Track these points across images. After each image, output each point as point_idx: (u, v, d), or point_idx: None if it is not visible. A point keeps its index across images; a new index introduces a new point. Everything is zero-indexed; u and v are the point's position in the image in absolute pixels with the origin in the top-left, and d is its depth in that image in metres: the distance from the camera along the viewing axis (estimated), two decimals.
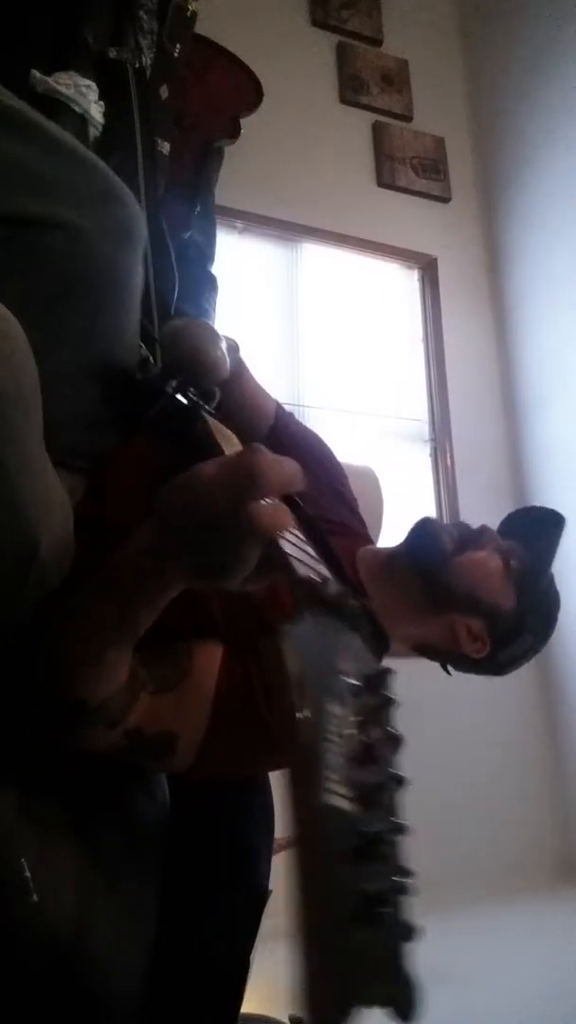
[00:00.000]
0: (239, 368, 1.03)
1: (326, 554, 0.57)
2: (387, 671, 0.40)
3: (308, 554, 0.57)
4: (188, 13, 1.84)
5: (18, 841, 0.66)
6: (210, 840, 0.89)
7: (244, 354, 1.06)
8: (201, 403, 0.91)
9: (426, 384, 3.18)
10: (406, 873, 0.31)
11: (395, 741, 0.37)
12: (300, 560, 0.52)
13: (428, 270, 3.29)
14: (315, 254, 3.16)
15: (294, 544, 0.55)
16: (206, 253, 2.19)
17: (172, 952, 0.79)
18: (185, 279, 1.77)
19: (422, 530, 0.99)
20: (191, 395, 0.93)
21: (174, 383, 0.93)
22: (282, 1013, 1.36)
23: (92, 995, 0.70)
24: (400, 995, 0.29)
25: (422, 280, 3.31)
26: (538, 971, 1.78)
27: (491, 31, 3.50)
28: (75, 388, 0.69)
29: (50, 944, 0.67)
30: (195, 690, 0.72)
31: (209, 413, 0.90)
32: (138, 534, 0.58)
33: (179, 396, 0.92)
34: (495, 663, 1.02)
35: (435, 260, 3.28)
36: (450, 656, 1.02)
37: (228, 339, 1.02)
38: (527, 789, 2.67)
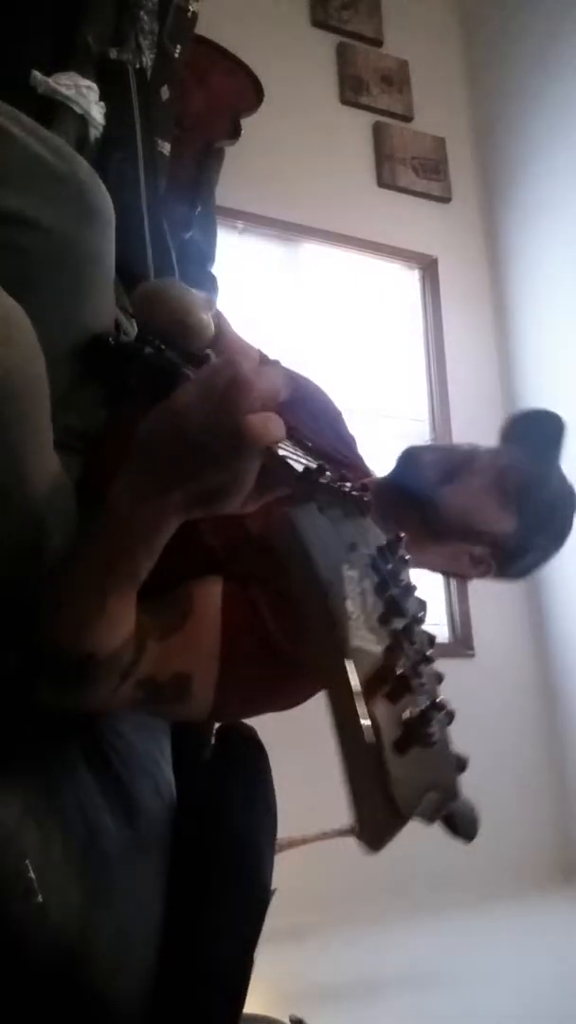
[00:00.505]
0: (218, 324, 1.02)
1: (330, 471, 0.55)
2: (397, 537, 0.41)
3: (305, 460, 0.55)
4: (189, 14, 1.84)
5: (23, 842, 0.66)
6: (214, 838, 0.89)
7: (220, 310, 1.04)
8: (179, 362, 0.90)
9: (426, 384, 3.18)
10: (438, 697, 0.33)
11: (412, 588, 0.38)
12: (299, 461, 0.51)
13: (428, 270, 3.29)
14: (316, 254, 3.16)
15: (290, 453, 0.54)
16: (207, 253, 2.19)
17: (174, 951, 0.79)
18: (186, 279, 1.77)
19: (406, 462, 0.94)
20: (168, 355, 0.92)
21: (149, 347, 0.92)
22: (283, 1013, 1.36)
23: (97, 994, 0.70)
24: (463, 811, 0.31)
25: (422, 280, 3.31)
26: (538, 971, 1.78)
27: (491, 31, 3.50)
28: (58, 372, 0.69)
29: (55, 944, 0.67)
30: (201, 626, 0.72)
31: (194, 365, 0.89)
32: (125, 475, 0.57)
33: (156, 357, 0.91)
34: (507, 577, 1.01)
35: (435, 260, 3.28)
36: (456, 576, 1.02)
37: (201, 296, 1.00)
38: (527, 789, 2.67)
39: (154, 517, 0.55)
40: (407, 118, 3.39)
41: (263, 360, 1.10)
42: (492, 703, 2.70)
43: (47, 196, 0.84)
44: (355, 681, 0.31)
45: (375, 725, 0.30)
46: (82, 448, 0.88)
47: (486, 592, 2.81)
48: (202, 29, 2.06)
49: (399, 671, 0.32)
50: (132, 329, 1.15)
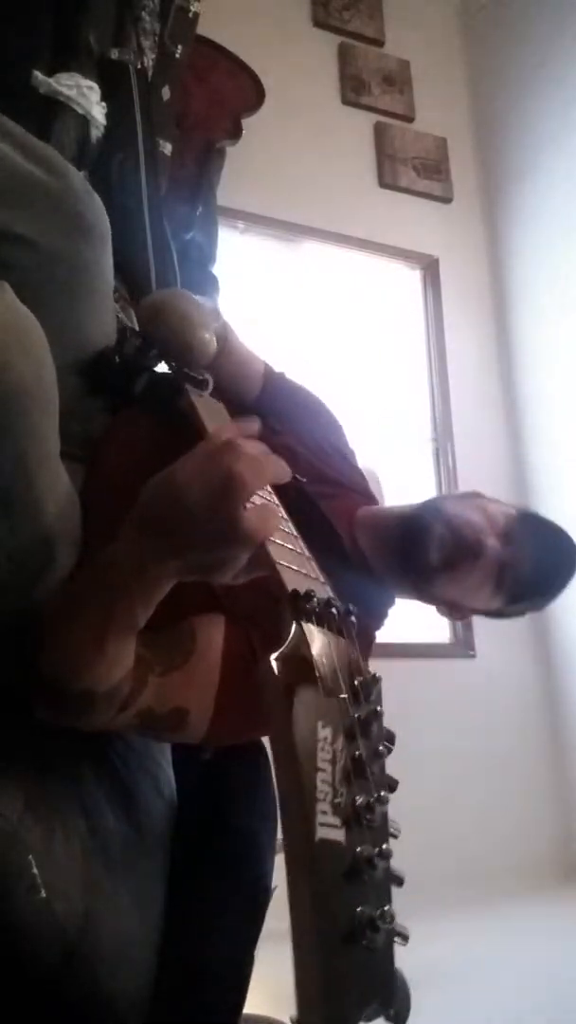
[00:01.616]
0: (224, 336, 1.02)
1: (319, 522, 0.56)
2: (375, 679, 0.42)
3: (297, 551, 0.57)
4: (190, 14, 1.84)
5: (26, 838, 0.66)
6: (214, 836, 0.89)
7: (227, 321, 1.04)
8: (182, 376, 0.91)
9: (428, 384, 3.18)
10: (390, 894, 0.33)
11: (381, 753, 0.39)
12: (289, 565, 0.52)
13: (430, 270, 3.29)
14: (317, 254, 3.16)
15: (282, 542, 0.55)
16: (208, 253, 2.19)
17: (174, 949, 0.79)
18: (187, 279, 1.77)
19: (414, 529, 0.93)
20: (172, 370, 0.92)
21: (153, 358, 0.92)
22: (283, 1013, 1.36)
23: (98, 992, 0.70)
24: (398, 1007, 0.31)
25: (424, 280, 3.32)
26: (539, 971, 1.78)
27: (493, 32, 3.50)
28: (61, 379, 0.69)
29: (58, 940, 0.67)
30: (202, 664, 0.73)
31: (192, 386, 0.90)
32: (124, 536, 0.58)
33: (159, 371, 0.92)
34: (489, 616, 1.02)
35: (436, 260, 3.28)
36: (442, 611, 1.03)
37: (209, 305, 0.99)
38: (528, 789, 2.67)
39: (152, 579, 0.57)
40: (408, 118, 3.39)
41: (268, 375, 1.10)
42: (493, 704, 2.70)
43: (39, 212, 0.84)
44: (315, 883, 0.31)
45: (339, 919, 0.31)
46: (83, 456, 0.88)
47: None
48: (203, 29, 2.06)
49: (358, 851, 0.33)
50: (132, 323, 1.15)
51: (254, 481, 0.52)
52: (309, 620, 0.45)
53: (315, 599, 0.47)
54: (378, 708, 0.41)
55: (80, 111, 1.41)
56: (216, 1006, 0.81)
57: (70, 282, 0.87)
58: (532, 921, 2.14)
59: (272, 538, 0.55)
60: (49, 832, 0.69)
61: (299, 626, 0.44)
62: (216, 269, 2.22)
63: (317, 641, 0.43)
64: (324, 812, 0.33)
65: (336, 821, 0.34)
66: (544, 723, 2.79)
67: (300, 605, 0.46)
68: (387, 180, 3.25)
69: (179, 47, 1.81)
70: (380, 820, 0.36)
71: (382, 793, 0.37)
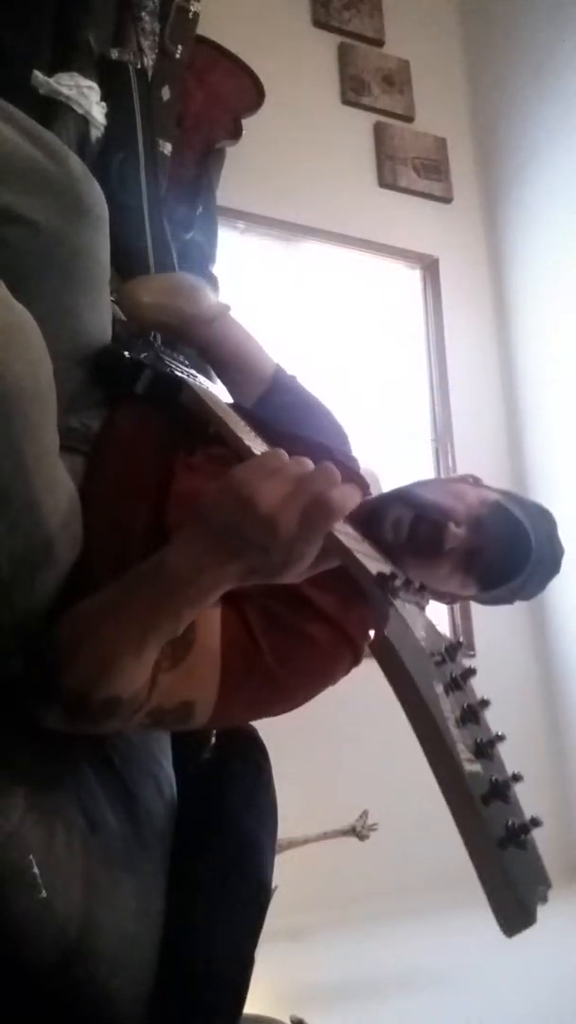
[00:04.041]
0: (226, 326, 1.02)
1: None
2: (459, 643, 0.49)
3: (356, 537, 0.59)
4: (190, 14, 1.84)
5: (26, 838, 0.66)
6: (215, 836, 0.89)
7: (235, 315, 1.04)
8: (183, 371, 0.91)
9: (428, 384, 3.18)
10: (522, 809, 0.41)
11: (483, 702, 0.46)
12: (361, 551, 0.55)
13: (430, 270, 3.29)
14: (317, 254, 3.16)
15: (344, 531, 0.57)
16: (207, 254, 2.19)
17: (175, 949, 0.79)
18: None
19: (376, 508, 0.92)
20: (171, 363, 0.93)
21: (153, 352, 0.93)
22: (283, 1013, 1.36)
23: (99, 991, 0.70)
24: (547, 891, 0.40)
25: (424, 280, 3.31)
26: (539, 971, 1.78)
27: (492, 32, 3.50)
28: (61, 370, 0.69)
29: (59, 939, 0.67)
30: (203, 655, 0.73)
31: (191, 379, 0.90)
32: (185, 538, 0.59)
33: (163, 371, 0.92)
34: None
35: (436, 260, 3.28)
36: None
37: (200, 297, 1.00)
38: (529, 790, 2.65)
39: (210, 585, 0.58)
40: (408, 118, 3.39)
41: (277, 375, 1.10)
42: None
43: (38, 194, 0.84)
44: (478, 802, 0.39)
45: (493, 830, 0.39)
46: (83, 449, 0.88)
47: None
48: (203, 29, 2.06)
49: (495, 779, 0.41)
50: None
51: (344, 508, 0.54)
52: (397, 596, 0.50)
53: (397, 576, 0.51)
54: (468, 667, 0.48)
55: (80, 111, 1.41)
56: (216, 1006, 0.81)
57: (68, 266, 0.88)
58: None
59: (339, 533, 0.56)
60: (50, 832, 0.69)
61: (393, 604, 0.49)
62: (216, 269, 2.22)
63: (411, 614, 0.49)
64: (462, 752, 0.41)
65: (472, 757, 0.41)
66: (544, 723, 2.79)
67: (389, 585, 0.51)
68: (387, 180, 3.25)
69: (179, 47, 1.81)
70: (499, 755, 0.44)
71: (497, 732, 0.45)
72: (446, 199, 3.37)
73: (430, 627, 0.50)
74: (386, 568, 0.54)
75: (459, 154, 3.45)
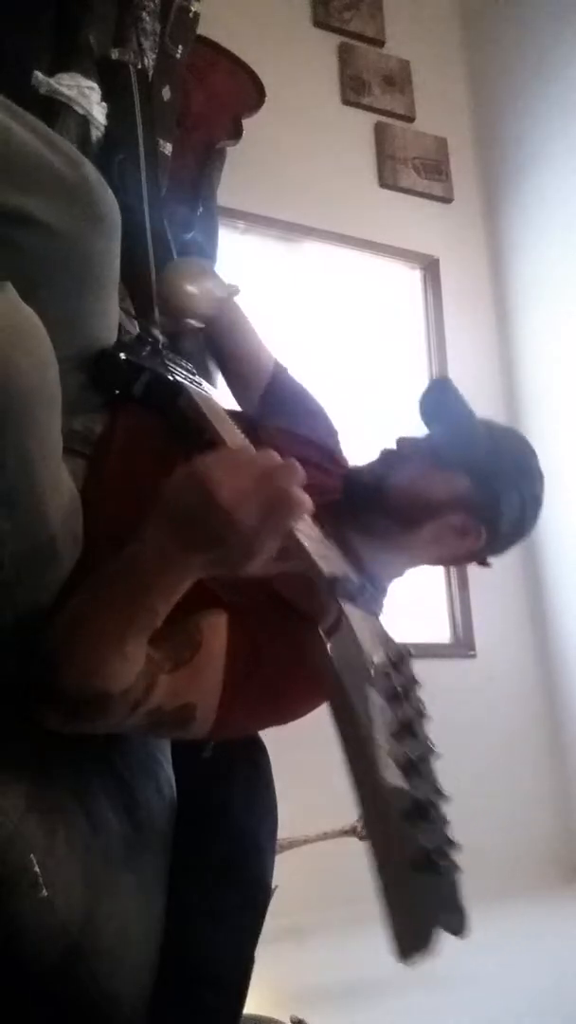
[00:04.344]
0: (233, 317, 1.03)
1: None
2: (407, 652, 0.48)
3: (318, 538, 0.59)
4: (191, 14, 1.84)
5: (27, 837, 0.66)
6: (214, 836, 0.90)
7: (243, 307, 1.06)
8: (186, 377, 0.92)
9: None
10: (449, 829, 0.39)
11: (423, 715, 0.44)
12: (318, 552, 0.55)
13: (430, 270, 3.29)
14: (317, 254, 3.16)
15: (306, 531, 0.58)
16: (208, 254, 2.18)
17: (175, 949, 0.79)
18: None
19: (348, 481, 0.99)
20: (174, 368, 0.94)
21: (158, 357, 0.94)
22: (283, 1013, 1.36)
23: (99, 990, 0.71)
24: (461, 921, 0.37)
25: (424, 280, 3.31)
26: (539, 972, 1.78)
27: (493, 32, 3.50)
28: (65, 372, 0.70)
29: (60, 938, 0.67)
30: (207, 659, 0.74)
31: (193, 384, 0.91)
32: (150, 530, 0.59)
33: (162, 375, 0.93)
34: (505, 537, 1.01)
35: (437, 261, 3.28)
36: (459, 559, 1.02)
37: (220, 280, 1.03)
38: (528, 790, 2.67)
39: (176, 576, 0.59)
40: (409, 118, 3.39)
41: (276, 369, 1.12)
42: (493, 704, 2.70)
43: (56, 200, 0.85)
44: (395, 817, 0.37)
45: (407, 851, 0.37)
46: (85, 452, 0.89)
47: (488, 592, 2.81)
48: (204, 29, 2.06)
49: (420, 798, 0.39)
50: (134, 329, 1.15)
51: (304, 505, 0.55)
52: (347, 600, 0.50)
53: (351, 581, 0.52)
54: (414, 677, 0.46)
55: (80, 111, 1.41)
56: (216, 1006, 0.81)
57: (81, 272, 0.89)
58: (532, 922, 2.14)
59: (297, 527, 0.57)
60: (51, 831, 0.69)
61: (341, 606, 0.49)
62: (216, 269, 2.22)
63: (357, 619, 0.48)
64: (387, 764, 0.39)
65: (397, 771, 0.40)
66: (544, 723, 2.79)
67: (340, 587, 0.51)
68: (387, 180, 3.25)
69: (179, 47, 1.81)
70: (433, 772, 0.42)
71: (433, 749, 0.43)
72: (446, 199, 3.37)
73: (380, 634, 0.50)
74: (340, 571, 0.54)
75: (459, 154, 3.45)
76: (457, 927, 0.37)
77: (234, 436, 0.81)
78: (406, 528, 0.96)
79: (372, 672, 0.44)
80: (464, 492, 0.96)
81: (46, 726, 0.67)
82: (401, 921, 0.36)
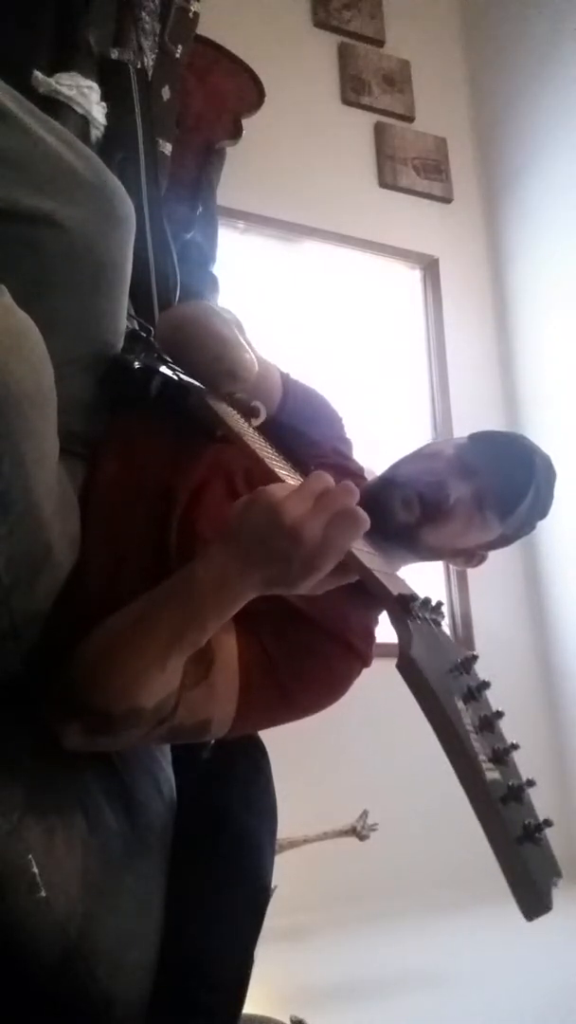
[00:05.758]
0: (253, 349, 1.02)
1: None
2: (473, 656, 0.53)
3: (371, 553, 0.61)
4: (190, 14, 1.84)
5: (26, 837, 0.66)
6: (215, 836, 0.89)
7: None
8: (193, 384, 0.92)
9: (428, 384, 3.18)
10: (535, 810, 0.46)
11: (497, 712, 0.50)
12: (379, 570, 0.57)
13: (430, 270, 3.29)
14: (317, 254, 3.16)
15: (363, 549, 0.60)
16: (207, 254, 2.19)
17: (174, 949, 0.79)
18: (186, 280, 1.77)
19: (378, 499, 0.92)
20: (176, 370, 0.94)
21: (169, 369, 0.94)
22: (283, 1013, 1.36)
23: (98, 991, 0.70)
24: (557, 880, 0.45)
25: (424, 280, 3.31)
26: (539, 972, 1.78)
27: (493, 32, 3.50)
28: (69, 375, 0.70)
29: (58, 939, 0.67)
30: (223, 674, 0.75)
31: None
32: (211, 551, 0.62)
33: (175, 381, 0.93)
34: (507, 540, 1.02)
35: (437, 260, 3.28)
36: (459, 563, 1.04)
37: (234, 317, 1.00)
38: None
39: (233, 593, 0.61)
40: (408, 118, 3.39)
41: (285, 381, 1.12)
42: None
43: (78, 203, 0.86)
44: (498, 805, 0.44)
45: (512, 828, 0.44)
46: (85, 453, 0.89)
47: (487, 589, 2.81)
48: (203, 29, 2.06)
49: (512, 784, 0.45)
50: (132, 324, 1.15)
51: (367, 522, 0.58)
52: (416, 616, 0.54)
53: (417, 599, 0.55)
54: (482, 678, 0.52)
55: (80, 111, 1.41)
56: (216, 1006, 0.81)
57: (96, 275, 0.89)
58: (532, 921, 2.14)
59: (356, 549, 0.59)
60: (49, 831, 0.69)
61: (411, 624, 0.52)
62: (216, 269, 2.22)
63: (428, 632, 0.53)
64: (484, 761, 0.45)
65: (491, 764, 0.46)
66: (545, 723, 2.79)
67: (408, 606, 0.54)
68: (387, 180, 3.25)
69: (179, 47, 1.81)
70: (513, 761, 0.48)
71: (512, 742, 0.48)
72: (446, 199, 3.37)
73: (447, 642, 0.54)
74: (405, 589, 0.57)
75: (459, 154, 3.45)
76: (556, 884, 0.45)
77: (251, 436, 0.81)
78: (423, 555, 0.98)
79: (452, 678, 0.50)
80: (495, 539, 0.98)
81: (64, 744, 0.67)
82: (522, 887, 0.43)
